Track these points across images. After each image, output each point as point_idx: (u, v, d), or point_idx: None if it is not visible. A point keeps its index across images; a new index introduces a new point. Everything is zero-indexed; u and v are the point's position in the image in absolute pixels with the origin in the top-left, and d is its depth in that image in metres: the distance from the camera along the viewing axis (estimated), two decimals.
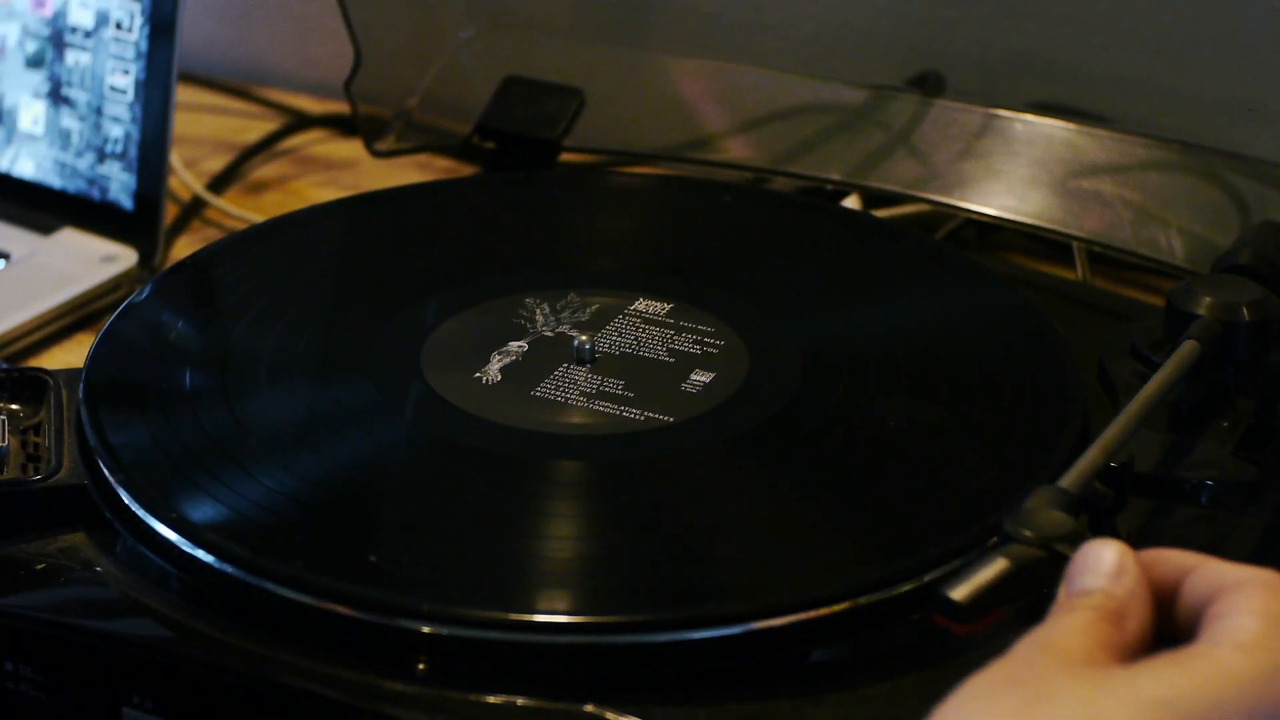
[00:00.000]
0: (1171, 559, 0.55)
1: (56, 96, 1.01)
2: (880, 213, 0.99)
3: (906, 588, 0.63)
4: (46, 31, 1.01)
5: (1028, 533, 0.58)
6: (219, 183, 1.09)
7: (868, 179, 0.98)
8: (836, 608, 0.62)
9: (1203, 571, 0.54)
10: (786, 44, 1.05)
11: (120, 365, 0.76)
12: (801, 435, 0.72)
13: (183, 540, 0.65)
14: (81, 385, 0.73)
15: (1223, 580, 0.53)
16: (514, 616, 0.62)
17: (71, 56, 1.00)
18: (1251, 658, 0.50)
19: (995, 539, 0.58)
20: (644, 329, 0.78)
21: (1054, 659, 0.51)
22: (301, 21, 1.22)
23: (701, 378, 0.75)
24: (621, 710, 0.60)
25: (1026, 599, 0.58)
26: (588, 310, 0.79)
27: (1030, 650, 0.52)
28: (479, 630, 0.61)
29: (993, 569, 0.57)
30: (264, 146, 1.13)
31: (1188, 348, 0.71)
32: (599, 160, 1.07)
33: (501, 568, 0.65)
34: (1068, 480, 0.61)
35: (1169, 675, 0.50)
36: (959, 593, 0.57)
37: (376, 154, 1.07)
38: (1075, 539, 0.57)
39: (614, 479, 0.70)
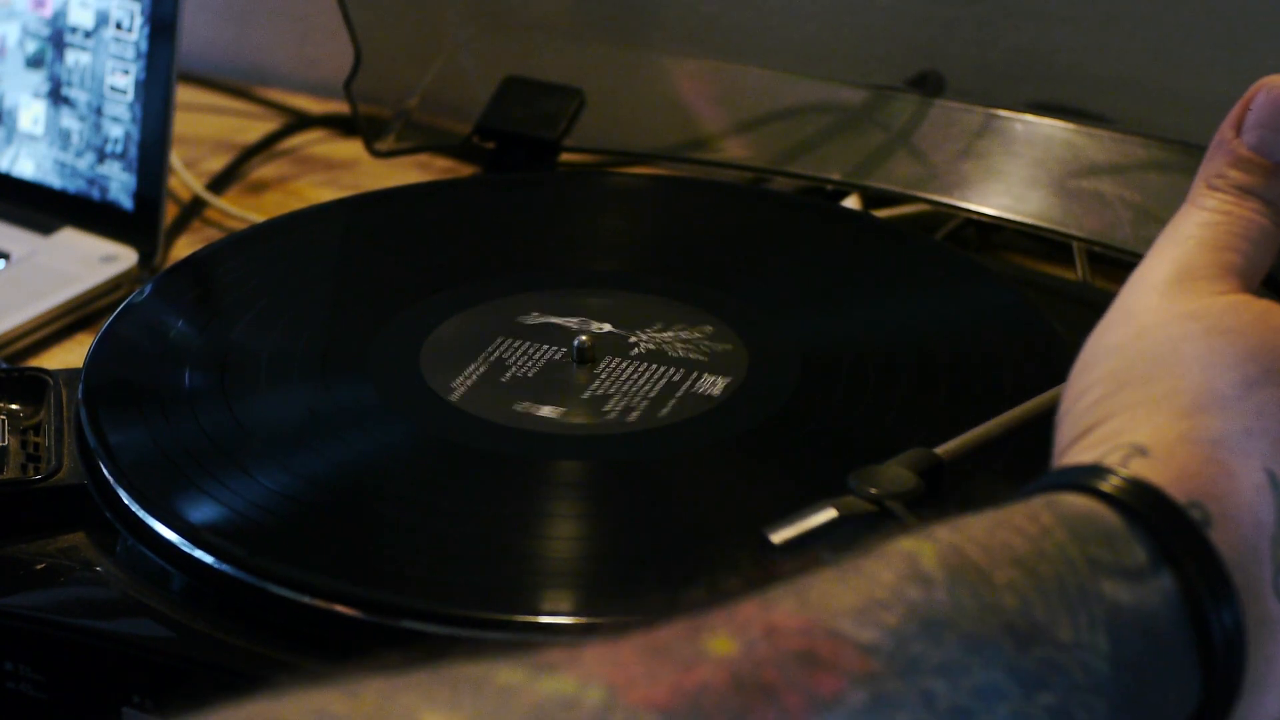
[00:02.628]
0: None
1: (56, 96, 1.01)
2: (880, 213, 0.99)
3: None
4: (46, 31, 1.01)
5: (864, 486, 0.57)
6: (219, 183, 1.09)
7: (868, 179, 0.98)
8: None
9: None
10: (786, 44, 1.05)
11: (120, 365, 0.76)
12: (801, 435, 0.72)
13: (183, 540, 0.65)
14: (81, 385, 0.73)
15: None
16: (514, 617, 0.62)
17: (71, 56, 1.00)
18: None
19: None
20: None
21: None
22: (301, 21, 1.22)
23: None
24: None
25: (850, 550, 0.57)
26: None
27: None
28: (479, 630, 0.61)
29: (818, 516, 0.57)
30: (264, 146, 1.13)
31: None
32: (599, 160, 1.07)
33: (501, 568, 0.65)
34: (946, 446, 0.61)
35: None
36: (778, 535, 0.56)
37: (376, 154, 1.07)
38: (909, 499, 0.57)
39: (614, 479, 0.70)
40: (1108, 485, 0.50)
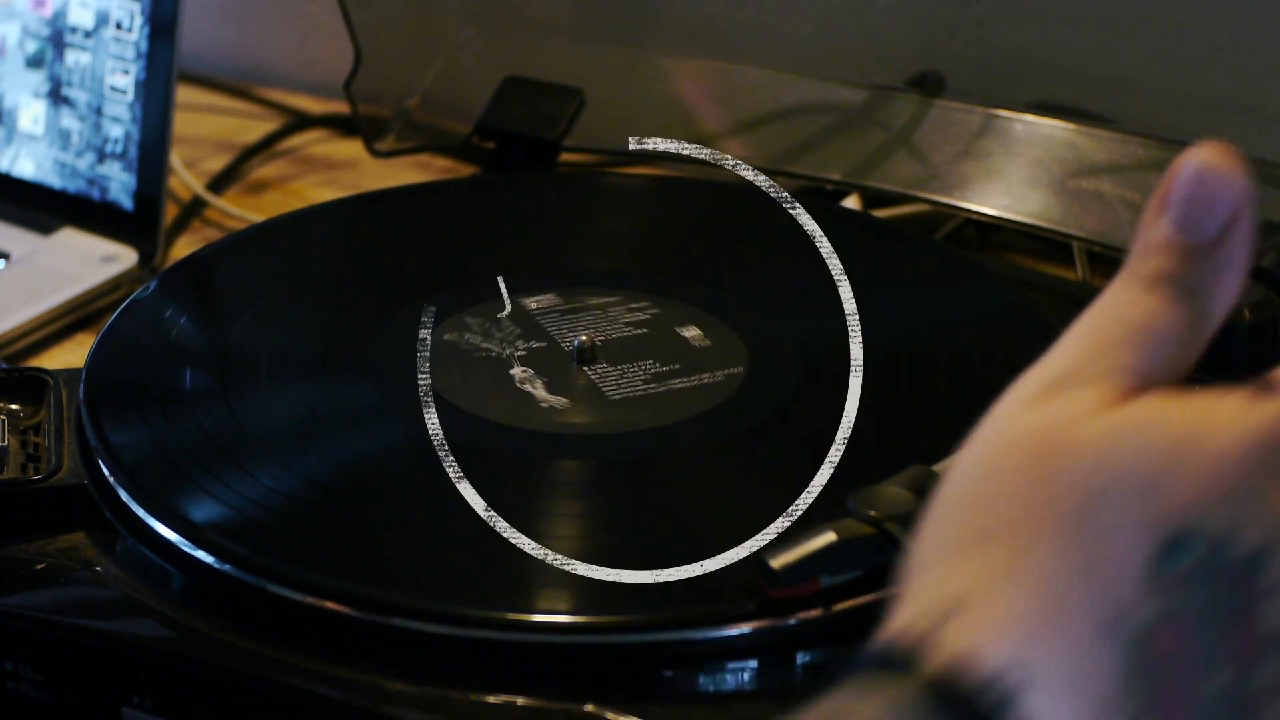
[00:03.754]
0: None
1: (56, 96, 1.01)
2: (880, 213, 0.99)
3: None
4: (46, 31, 1.01)
5: (863, 508, 0.57)
6: (219, 183, 1.09)
7: (868, 179, 0.98)
8: (838, 607, 0.62)
9: None
10: (786, 44, 1.05)
11: (120, 365, 0.76)
12: (801, 434, 0.72)
13: (183, 540, 0.65)
14: (81, 385, 0.73)
15: None
16: (514, 616, 0.62)
17: (71, 56, 1.00)
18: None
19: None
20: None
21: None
22: (301, 21, 1.22)
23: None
24: (621, 710, 0.60)
25: (850, 572, 0.57)
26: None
27: None
28: (479, 630, 0.61)
29: (817, 540, 0.57)
30: (264, 146, 1.13)
31: None
32: (599, 160, 1.07)
33: (501, 567, 0.65)
34: (944, 463, 0.61)
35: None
36: (777, 560, 0.56)
37: (376, 154, 1.07)
38: (908, 520, 0.57)
39: (614, 479, 0.70)
40: (910, 667, 0.45)
